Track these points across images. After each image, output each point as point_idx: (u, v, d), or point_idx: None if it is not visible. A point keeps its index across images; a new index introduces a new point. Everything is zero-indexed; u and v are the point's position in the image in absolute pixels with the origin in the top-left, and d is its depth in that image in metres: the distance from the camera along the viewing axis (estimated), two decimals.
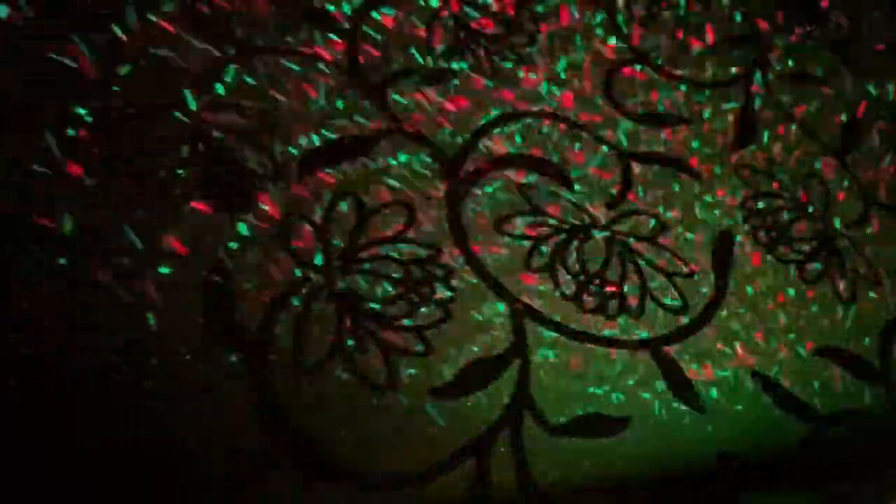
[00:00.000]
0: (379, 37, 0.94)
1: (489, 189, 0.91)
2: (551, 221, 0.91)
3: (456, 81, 0.96)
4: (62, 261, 0.75)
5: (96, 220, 0.77)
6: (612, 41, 1.05)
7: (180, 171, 0.80)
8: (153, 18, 0.85)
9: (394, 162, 0.88)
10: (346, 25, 0.93)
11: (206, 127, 0.83)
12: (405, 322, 0.81)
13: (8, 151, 0.76)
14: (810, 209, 1.04)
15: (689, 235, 0.96)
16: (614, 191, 0.95)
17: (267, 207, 0.82)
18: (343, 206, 0.85)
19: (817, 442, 0.89)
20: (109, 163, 0.78)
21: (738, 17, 1.13)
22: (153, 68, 0.84)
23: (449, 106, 0.94)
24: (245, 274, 0.79)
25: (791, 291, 0.97)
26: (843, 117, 1.13)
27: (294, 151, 0.85)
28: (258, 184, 0.83)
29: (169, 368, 0.75)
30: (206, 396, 0.75)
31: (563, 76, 1.01)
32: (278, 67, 0.89)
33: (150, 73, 0.84)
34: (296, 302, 0.79)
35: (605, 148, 0.97)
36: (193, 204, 0.80)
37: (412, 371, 0.80)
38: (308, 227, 0.83)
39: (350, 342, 0.79)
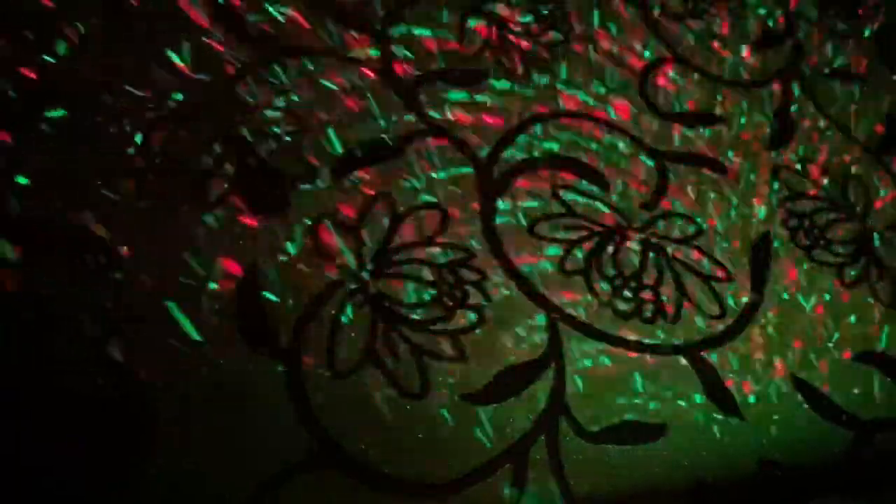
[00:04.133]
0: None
1: (523, 192, 0.89)
2: (586, 225, 0.89)
3: (488, 83, 0.95)
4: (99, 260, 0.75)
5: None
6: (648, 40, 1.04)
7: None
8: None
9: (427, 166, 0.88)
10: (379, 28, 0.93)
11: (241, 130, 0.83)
12: (439, 327, 0.80)
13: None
14: (849, 211, 1.01)
15: (726, 238, 0.94)
16: (650, 193, 0.94)
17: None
18: (376, 209, 0.84)
19: (862, 449, 0.87)
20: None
21: (777, 15, 1.11)
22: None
23: (481, 108, 0.93)
24: (279, 278, 0.79)
25: (830, 295, 0.95)
26: (882, 116, 1.11)
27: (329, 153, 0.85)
28: (292, 186, 0.83)
29: (205, 373, 0.75)
30: (242, 400, 0.75)
31: (596, 76, 1.00)
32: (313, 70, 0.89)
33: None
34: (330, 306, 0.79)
35: (640, 149, 0.96)
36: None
37: (446, 376, 0.79)
38: (342, 231, 0.82)
39: (383, 347, 0.79)
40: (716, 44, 1.07)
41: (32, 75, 0.79)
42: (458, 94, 0.93)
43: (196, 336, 0.75)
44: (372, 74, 0.91)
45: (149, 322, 0.75)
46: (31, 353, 0.72)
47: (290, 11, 0.90)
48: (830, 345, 0.92)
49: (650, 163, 0.96)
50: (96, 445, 0.71)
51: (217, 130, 0.82)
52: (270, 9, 0.90)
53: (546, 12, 1.03)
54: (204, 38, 0.86)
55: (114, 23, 0.84)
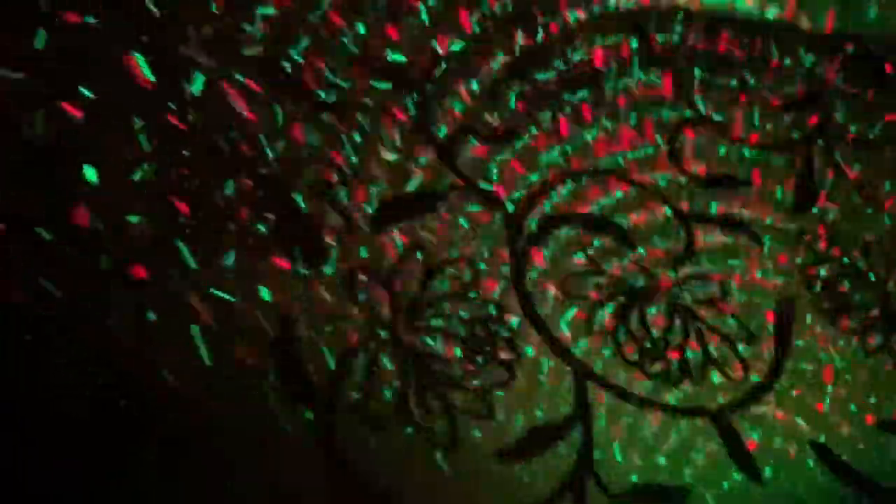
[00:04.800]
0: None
1: (553, 249, 0.91)
2: (614, 284, 0.91)
3: (521, 139, 0.97)
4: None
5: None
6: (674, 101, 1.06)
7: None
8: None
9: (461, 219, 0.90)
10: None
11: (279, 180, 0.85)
12: (469, 382, 0.82)
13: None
14: (871, 277, 1.03)
15: (750, 301, 0.95)
16: (677, 254, 0.95)
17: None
18: (410, 262, 0.86)
19: None
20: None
21: (802, 80, 1.13)
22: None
23: (513, 163, 0.95)
24: (314, 328, 0.81)
25: (852, 362, 0.96)
26: None
27: (365, 206, 0.87)
28: (329, 237, 0.85)
29: (238, 421, 0.76)
30: (275, 449, 0.76)
31: (625, 134, 1.02)
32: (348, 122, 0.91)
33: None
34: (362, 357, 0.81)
35: (667, 209, 0.98)
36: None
37: (476, 432, 0.80)
38: (376, 282, 0.84)
39: (414, 399, 0.80)
40: (742, 106, 1.09)
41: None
42: (491, 150, 0.95)
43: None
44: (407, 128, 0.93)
45: (173, 357, 0.77)
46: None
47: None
48: (853, 410, 0.93)
49: (677, 223, 0.97)
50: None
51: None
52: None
53: (578, 68, 1.05)
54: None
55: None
